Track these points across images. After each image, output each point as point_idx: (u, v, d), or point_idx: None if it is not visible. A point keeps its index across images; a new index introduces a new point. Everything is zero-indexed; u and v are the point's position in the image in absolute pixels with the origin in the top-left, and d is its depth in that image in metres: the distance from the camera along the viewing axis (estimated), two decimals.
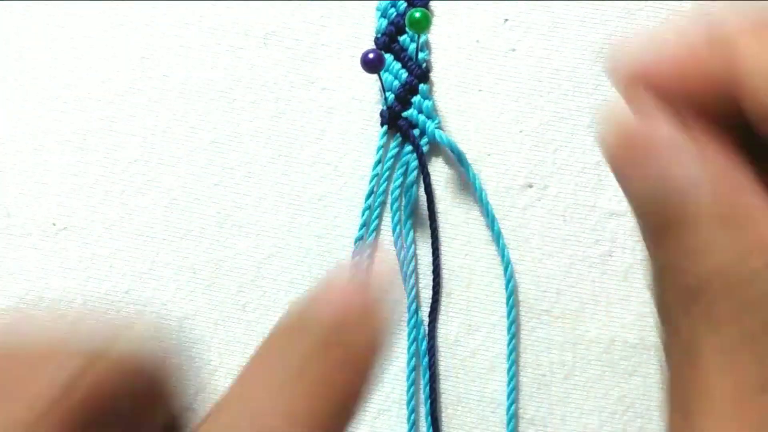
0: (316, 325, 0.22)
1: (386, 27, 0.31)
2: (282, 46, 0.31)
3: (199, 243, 0.31)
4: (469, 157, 0.30)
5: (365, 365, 0.23)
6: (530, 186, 0.30)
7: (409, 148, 0.31)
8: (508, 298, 0.30)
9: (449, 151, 0.30)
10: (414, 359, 0.30)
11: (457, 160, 0.30)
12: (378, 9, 0.31)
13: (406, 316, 0.30)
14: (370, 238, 0.31)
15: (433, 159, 0.31)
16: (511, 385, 0.30)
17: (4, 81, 0.31)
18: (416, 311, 0.30)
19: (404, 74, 0.31)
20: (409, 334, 0.30)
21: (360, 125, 0.31)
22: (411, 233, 0.31)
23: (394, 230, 0.31)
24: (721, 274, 0.21)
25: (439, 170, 0.31)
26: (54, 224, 0.31)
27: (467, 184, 0.30)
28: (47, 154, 0.31)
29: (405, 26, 0.30)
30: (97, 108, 0.31)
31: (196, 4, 0.31)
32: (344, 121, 0.31)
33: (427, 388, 0.30)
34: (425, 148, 0.31)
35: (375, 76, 0.30)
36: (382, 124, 0.31)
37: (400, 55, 0.31)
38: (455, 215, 0.31)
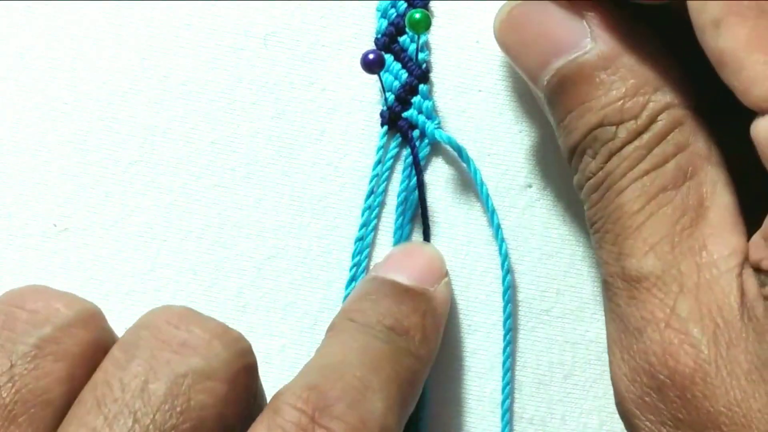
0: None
1: (386, 27, 0.31)
2: (282, 47, 0.31)
3: (199, 244, 0.31)
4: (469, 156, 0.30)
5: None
6: (530, 186, 0.30)
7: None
8: (505, 293, 0.30)
9: (451, 151, 0.30)
10: None
11: (458, 156, 0.30)
12: (378, 9, 0.31)
13: None
14: (368, 238, 0.31)
15: (434, 159, 0.31)
16: (505, 380, 0.30)
17: (4, 81, 0.31)
18: None
19: (404, 75, 0.31)
20: None
21: (360, 125, 0.31)
22: (413, 235, 0.31)
23: (395, 233, 0.31)
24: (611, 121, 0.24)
25: (439, 170, 0.31)
26: (55, 225, 0.31)
27: (468, 183, 0.30)
28: (47, 154, 0.31)
29: (405, 27, 0.30)
30: (97, 108, 0.31)
31: (196, 4, 0.31)
32: (344, 121, 0.31)
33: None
34: (427, 149, 0.31)
35: (375, 77, 0.30)
36: (382, 125, 0.31)
37: (400, 55, 0.31)
38: (455, 215, 0.31)
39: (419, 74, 0.31)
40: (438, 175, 0.31)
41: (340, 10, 0.31)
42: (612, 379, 0.25)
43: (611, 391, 0.25)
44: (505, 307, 0.30)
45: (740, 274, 0.23)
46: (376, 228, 0.31)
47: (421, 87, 0.31)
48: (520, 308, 0.30)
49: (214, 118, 0.31)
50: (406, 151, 0.31)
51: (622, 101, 0.24)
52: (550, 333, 0.30)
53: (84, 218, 0.31)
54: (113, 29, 0.31)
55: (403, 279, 0.28)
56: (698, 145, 0.24)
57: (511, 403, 0.30)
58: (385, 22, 0.31)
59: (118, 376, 0.22)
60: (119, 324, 0.25)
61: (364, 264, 0.30)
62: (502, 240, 0.30)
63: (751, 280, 0.23)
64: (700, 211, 0.24)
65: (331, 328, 0.27)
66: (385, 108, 0.31)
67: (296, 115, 0.31)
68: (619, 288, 0.24)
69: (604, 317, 0.26)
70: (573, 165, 0.26)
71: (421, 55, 0.31)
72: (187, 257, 0.31)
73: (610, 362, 0.25)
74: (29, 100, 0.31)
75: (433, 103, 0.31)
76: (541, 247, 0.31)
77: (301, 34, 0.31)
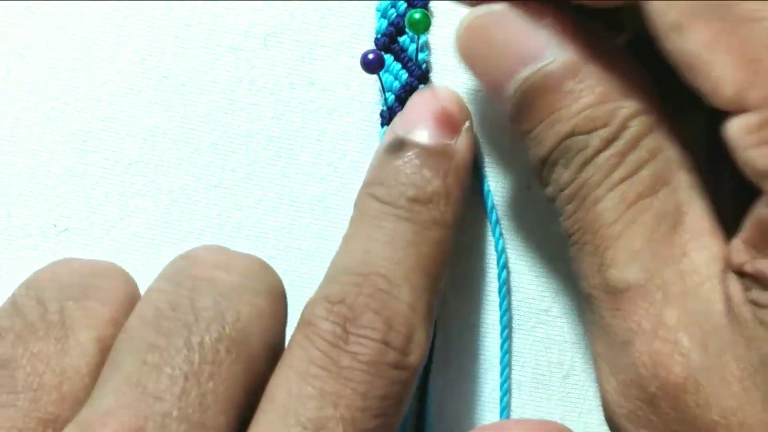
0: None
1: (386, 28, 0.31)
2: (282, 47, 0.31)
3: (199, 244, 0.31)
4: None
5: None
6: (529, 187, 0.30)
7: None
8: (501, 288, 0.30)
9: None
10: None
11: None
12: (378, 10, 0.31)
13: None
14: None
15: None
16: (503, 378, 0.30)
17: (4, 81, 0.31)
18: None
19: (404, 75, 0.31)
20: None
21: (360, 126, 0.31)
22: None
23: None
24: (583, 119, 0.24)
25: None
26: (55, 225, 0.31)
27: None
28: (47, 155, 0.31)
29: (405, 27, 0.30)
30: (97, 109, 0.31)
31: (196, 4, 0.31)
32: (344, 121, 0.31)
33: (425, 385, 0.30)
34: None
35: (375, 77, 0.30)
36: (382, 125, 0.31)
37: (400, 55, 0.31)
38: None
39: (419, 74, 0.31)
40: None
41: (340, 10, 0.31)
42: (601, 394, 0.25)
43: None
44: (501, 303, 0.30)
45: (723, 280, 0.23)
46: None
47: (421, 87, 0.31)
48: (519, 308, 0.30)
49: (214, 119, 0.31)
50: None
51: (591, 109, 0.24)
52: (550, 333, 0.31)
53: (84, 219, 0.31)
54: (113, 29, 0.31)
55: (422, 136, 0.27)
56: (671, 150, 0.24)
57: (509, 402, 0.30)
58: (385, 22, 0.31)
59: (166, 299, 0.24)
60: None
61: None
62: (500, 235, 0.30)
63: (734, 285, 0.22)
64: (678, 217, 0.24)
65: (357, 207, 0.28)
66: (385, 108, 0.31)
67: (296, 115, 0.31)
68: (602, 300, 0.24)
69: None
70: (544, 176, 0.26)
71: (421, 55, 0.31)
72: None
73: (598, 377, 0.25)
74: (29, 100, 0.31)
75: None
76: (540, 247, 0.31)
77: (301, 35, 0.31)
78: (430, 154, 0.27)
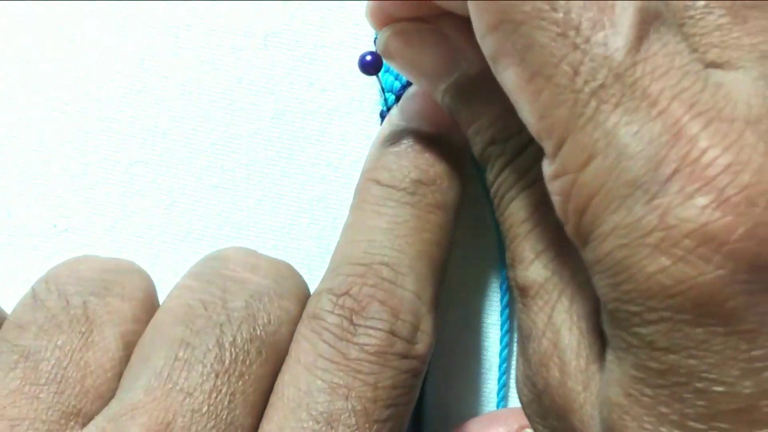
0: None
1: None
2: (282, 47, 0.31)
3: (199, 245, 0.31)
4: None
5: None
6: None
7: None
8: (501, 284, 0.30)
9: None
10: None
11: None
12: None
13: None
14: None
15: None
16: (500, 370, 0.30)
17: (4, 81, 0.31)
18: None
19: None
20: None
21: (360, 126, 0.31)
22: None
23: None
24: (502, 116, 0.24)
25: None
26: (55, 225, 0.31)
27: (468, 181, 0.30)
28: (48, 155, 0.31)
29: None
30: (97, 109, 0.31)
31: (196, 4, 0.31)
32: (344, 121, 0.31)
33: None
34: None
35: (374, 77, 0.30)
36: (382, 125, 0.31)
37: None
38: None
39: None
40: None
41: (340, 10, 0.31)
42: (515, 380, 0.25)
43: None
44: (502, 299, 0.30)
45: None
46: None
47: None
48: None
49: (214, 119, 0.31)
50: None
51: (504, 119, 0.24)
52: None
53: (84, 219, 0.31)
54: (113, 29, 0.31)
55: (423, 125, 0.28)
56: None
57: (507, 395, 0.30)
58: None
59: (197, 297, 0.24)
60: None
61: None
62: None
63: None
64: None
65: (358, 194, 0.28)
66: (385, 108, 0.31)
67: (296, 115, 0.31)
68: (515, 295, 0.24)
69: None
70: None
71: None
72: (187, 258, 0.31)
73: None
74: (29, 100, 0.31)
75: None
76: None
77: (301, 35, 0.31)
78: (431, 139, 0.27)
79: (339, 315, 0.24)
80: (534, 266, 0.23)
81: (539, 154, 0.21)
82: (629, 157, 0.18)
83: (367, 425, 0.23)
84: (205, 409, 0.22)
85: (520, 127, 0.22)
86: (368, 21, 0.26)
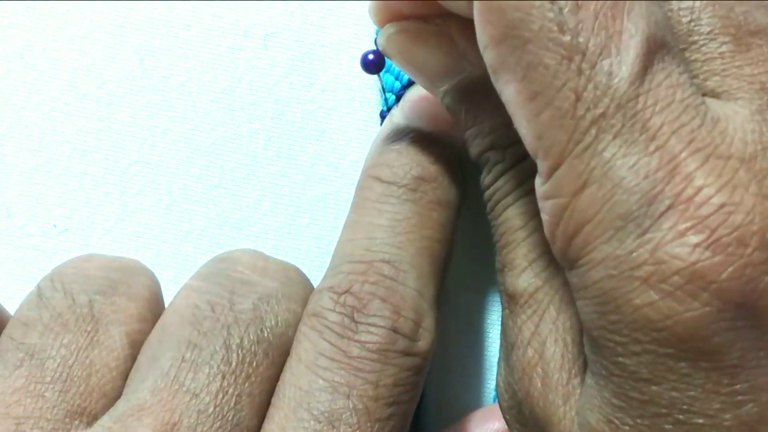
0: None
1: None
2: (282, 47, 0.31)
3: (198, 245, 0.31)
4: None
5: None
6: None
7: None
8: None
9: None
10: None
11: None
12: None
13: None
14: None
15: None
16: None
17: (4, 81, 0.31)
18: None
19: (405, 75, 0.30)
20: None
21: (360, 126, 0.31)
22: None
23: None
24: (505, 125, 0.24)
25: None
26: (55, 226, 0.31)
27: (469, 181, 0.30)
28: (47, 155, 0.31)
29: None
30: (97, 108, 0.31)
31: (196, 4, 0.31)
32: (344, 121, 0.31)
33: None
34: None
35: (375, 77, 0.30)
36: (382, 125, 0.31)
37: None
38: None
39: None
40: None
41: (340, 10, 0.31)
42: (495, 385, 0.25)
43: None
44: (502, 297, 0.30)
45: None
46: None
47: None
48: None
49: (214, 119, 0.31)
50: None
51: (506, 126, 0.24)
52: None
53: (84, 219, 0.31)
54: (113, 29, 0.31)
55: (423, 124, 0.28)
56: None
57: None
58: None
59: (204, 299, 0.24)
60: None
61: None
62: None
63: None
64: None
65: (359, 191, 0.28)
66: (385, 108, 0.31)
67: (296, 115, 0.31)
68: (503, 301, 0.24)
69: None
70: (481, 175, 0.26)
71: None
72: (187, 258, 0.31)
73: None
74: (29, 100, 0.31)
75: None
76: None
77: (301, 35, 0.31)
78: (432, 137, 0.27)
79: (340, 313, 0.24)
80: (525, 274, 0.23)
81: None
82: (624, 190, 0.19)
83: (368, 424, 0.23)
84: (211, 410, 0.22)
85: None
86: (371, 17, 0.26)
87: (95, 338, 0.24)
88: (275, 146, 0.31)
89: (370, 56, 0.29)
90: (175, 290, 0.30)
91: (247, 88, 0.31)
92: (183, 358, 0.23)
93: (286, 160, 0.31)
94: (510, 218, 0.24)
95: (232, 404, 0.22)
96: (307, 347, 0.24)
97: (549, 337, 0.23)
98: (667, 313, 0.18)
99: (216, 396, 0.22)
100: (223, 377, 0.23)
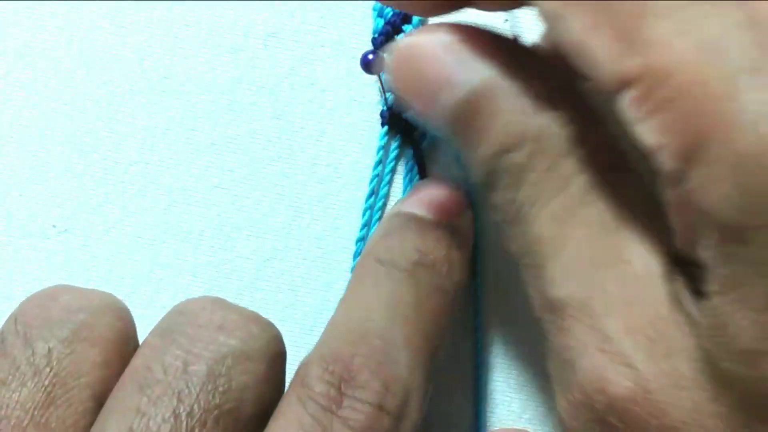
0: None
1: (383, 26, 0.31)
2: (282, 47, 0.31)
3: (198, 245, 0.31)
4: None
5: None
6: None
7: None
8: (475, 276, 0.30)
9: (451, 150, 0.30)
10: None
11: (459, 155, 0.30)
12: (374, 9, 0.31)
13: None
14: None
15: (434, 158, 0.31)
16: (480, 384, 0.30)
17: (4, 81, 0.31)
18: None
19: None
20: None
21: (360, 126, 0.31)
22: None
23: None
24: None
25: (439, 170, 0.31)
26: (55, 226, 0.31)
27: (469, 181, 0.30)
28: (47, 155, 0.31)
29: (401, 25, 0.30)
30: (97, 108, 0.31)
31: (196, 4, 0.31)
32: (344, 122, 0.31)
33: None
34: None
35: (375, 77, 0.30)
36: (382, 125, 0.31)
37: None
38: None
39: None
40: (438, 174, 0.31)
41: (340, 10, 0.31)
42: (558, 418, 0.24)
43: None
44: (474, 294, 0.30)
45: (668, 281, 0.22)
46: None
47: None
48: (515, 309, 0.30)
49: (214, 119, 0.31)
50: (406, 152, 0.31)
51: (513, 125, 0.23)
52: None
53: (84, 219, 0.31)
54: (113, 29, 0.31)
55: (426, 213, 0.28)
56: (600, 157, 0.23)
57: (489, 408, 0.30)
58: (381, 21, 0.31)
59: (159, 359, 0.23)
60: None
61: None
62: (478, 234, 0.30)
63: (679, 283, 0.22)
64: (614, 225, 0.23)
65: (356, 270, 0.27)
66: (385, 108, 0.31)
67: (296, 115, 0.31)
68: (548, 321, 0.23)
69: None
70: (490, 203, 0.25)
71: None
72: (187, 259, 0.31)
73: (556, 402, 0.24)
74: (29, 100, 0.31)
75: None
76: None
77: (301, 35, 0.31)
78: (435, 227, 0.27)
79: (327, 383, 0.23)
80: (569, 284, 0.23)
81: (558, 156, 0.21)
82: None
83: None
84: None
85: (532, 130, 0.22)
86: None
87: (52, 394, 0.23)
88: (275, 146, 0.31)
89: (370, 56, 0.29)
90: (175, 293, 0.30)
91: (247, 88, 0.31)
92: (131, 428, 0.22)
93: (286, 160, 0.31)
94: (538, 231, 0.23)
95: None
96: (290, 418, 0.23)
97: (622, 334, 0.22)
98: None
99: None
100: None
